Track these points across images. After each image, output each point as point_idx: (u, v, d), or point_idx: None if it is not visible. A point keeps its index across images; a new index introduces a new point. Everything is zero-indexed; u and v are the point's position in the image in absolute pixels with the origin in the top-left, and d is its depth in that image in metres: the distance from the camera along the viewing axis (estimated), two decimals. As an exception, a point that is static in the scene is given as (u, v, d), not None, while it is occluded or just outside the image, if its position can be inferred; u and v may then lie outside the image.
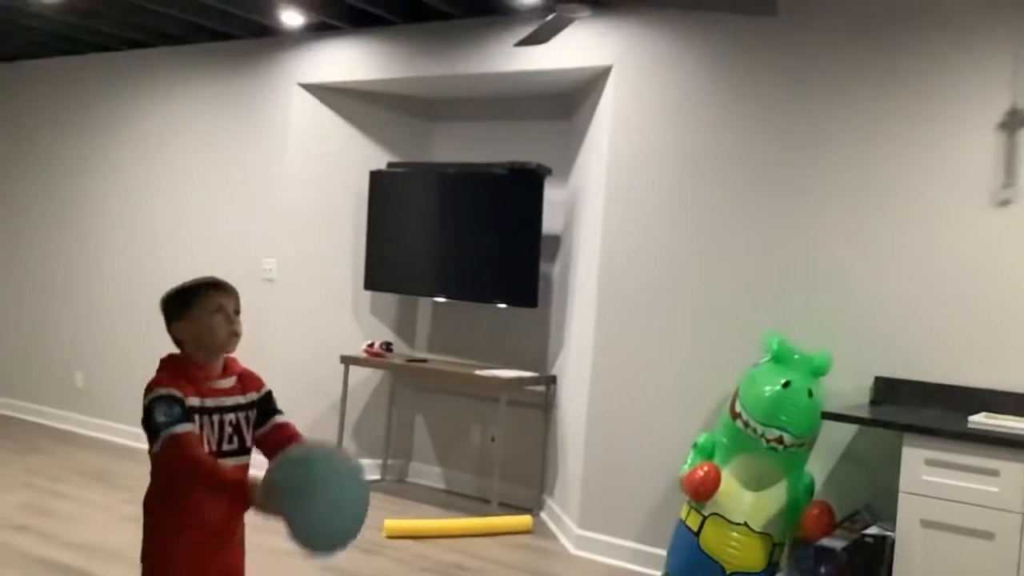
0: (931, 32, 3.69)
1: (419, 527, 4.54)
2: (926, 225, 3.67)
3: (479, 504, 5.16)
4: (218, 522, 2.28)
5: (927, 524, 3.02)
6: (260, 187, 5.71)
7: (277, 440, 2.31)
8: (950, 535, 2.98)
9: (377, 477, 5.68)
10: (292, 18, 5.27)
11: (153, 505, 2.31)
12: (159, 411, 2.17)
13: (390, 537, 4.46)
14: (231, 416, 2.30)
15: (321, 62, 5.52)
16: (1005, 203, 3.51)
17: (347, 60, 5.40)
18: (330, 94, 5.61)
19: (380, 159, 5.65)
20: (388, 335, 5.65)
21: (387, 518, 4.62)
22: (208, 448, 2.23)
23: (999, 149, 3.53)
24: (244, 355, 6.11)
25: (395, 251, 5.48)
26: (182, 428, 2.15)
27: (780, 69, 4.03)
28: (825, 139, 3.91)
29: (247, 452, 2.32)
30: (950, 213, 3.63)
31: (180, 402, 2.20)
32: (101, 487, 5.05)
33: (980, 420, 3.13)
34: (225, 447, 2.28)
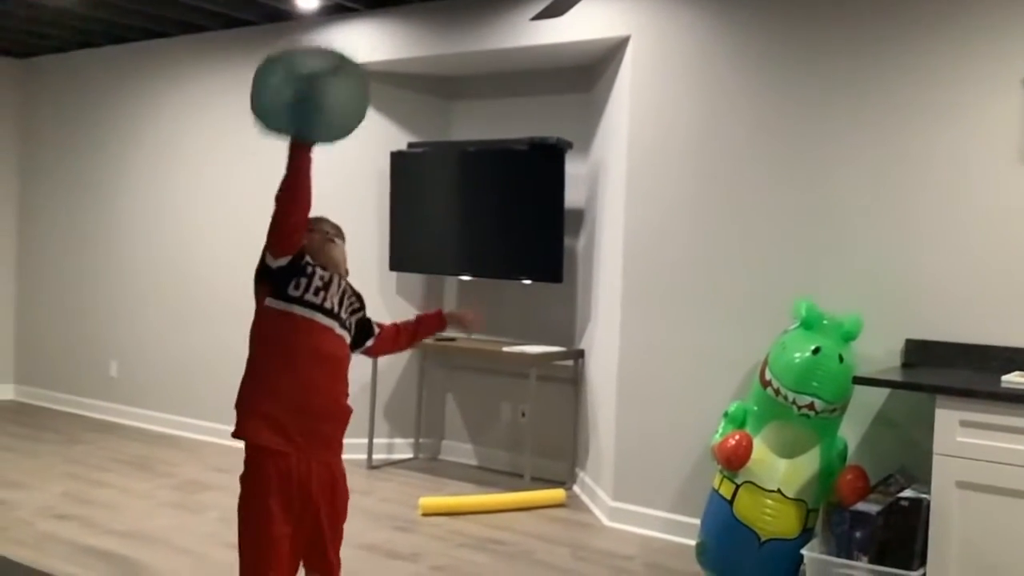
0: (954, -12, 3.63)
1: (454, 504, 4.59)
2: (952, 185, 3.63)
3: (512, 479, 5.20)
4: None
5: (962, 485, 3.01)
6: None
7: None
8: (986, 496, 2.97)
9: (410, 455, 5.73)
10: (307, 1, 5.27)
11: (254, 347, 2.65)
12: None
13: (426, 515, 4.51)
14: (352, 301, 2.79)
15: (338, 44, 5.49)
16: (1034, 159, 3.46)
17: (363, 41, 5.40)
18: (348, 76, 5.60)
19: (401, 140, 5.66)
20: (415, 315, 5.66)
21: (422, 496, 4.66)
22: (315, 300, 2.63)
23: (1021, 107, 3.47)
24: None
25: (419, 231, 5.49)
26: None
27: (800, 35, 3.98)
28: (848, 104, 3.86)
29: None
30: (976, 172, 3.58)
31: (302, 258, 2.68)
32: (141, 474, 5.14)
33: (1013, 379, 3.10)
34: (338, 310, 2.69)
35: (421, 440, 5.77)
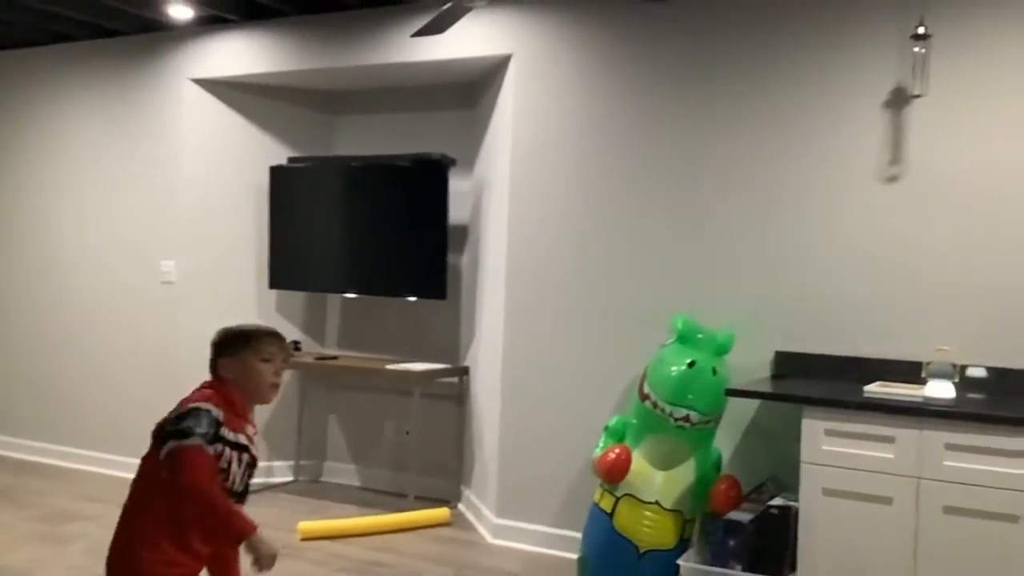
0: (823, 13, 3.79)
1: (334, 527, 4.48)
2: (820, 203, 3.78)
3: (397, 500, 5.12)
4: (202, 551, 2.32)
5: (828, 492, 3.11)
6: (156, 187, 5.54)
7: None
8: (850, 502, 3.08)
9: (290, 478, 5.59)
10: (181, 12, 5.12)
11: (138, 518, 2.27)
12: (199, 421, 2.20)
13: (305, 539, 4.39)
14: (248, 457, 2.35)
15: (214, 57, 5.37)
16: (893, 179, 3.63)
17: (241, 54, 5.27)
18: (225, 89, 5.47)
19: (280, 154, 5.54)
20: (296, 334, 5.55)
21: (301, 520, 4.54)
22: (231, 485, 2.28)
23: (887, 127, 3.65)
24: (147, 362, 5.98)
25: (300, 248, 5.38)
26: (211, 448, 2.19)
27: (677, 54, 4.08)
28: (723, 122, 3.98)
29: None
30: (843, 191, 3.74)
31: (218, 427, 2.23)
32: (3, 505, 4.83)
33: (875, 389, 3.24)
34: (240, 488, 2.34)
35: (302, 462, 5.63)
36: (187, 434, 2.17)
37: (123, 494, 2.36)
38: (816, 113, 3.79)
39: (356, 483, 5.58)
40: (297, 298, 5.62)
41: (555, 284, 4.36)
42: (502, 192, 4.58)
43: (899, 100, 3.61)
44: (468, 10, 3.84)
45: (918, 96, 3.54)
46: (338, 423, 5.69)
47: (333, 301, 5.70)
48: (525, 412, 4.42)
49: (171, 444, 2.18)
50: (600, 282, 4.24)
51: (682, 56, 4.07)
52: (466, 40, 4.59)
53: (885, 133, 3.65)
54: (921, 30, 3.46)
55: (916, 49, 3.49)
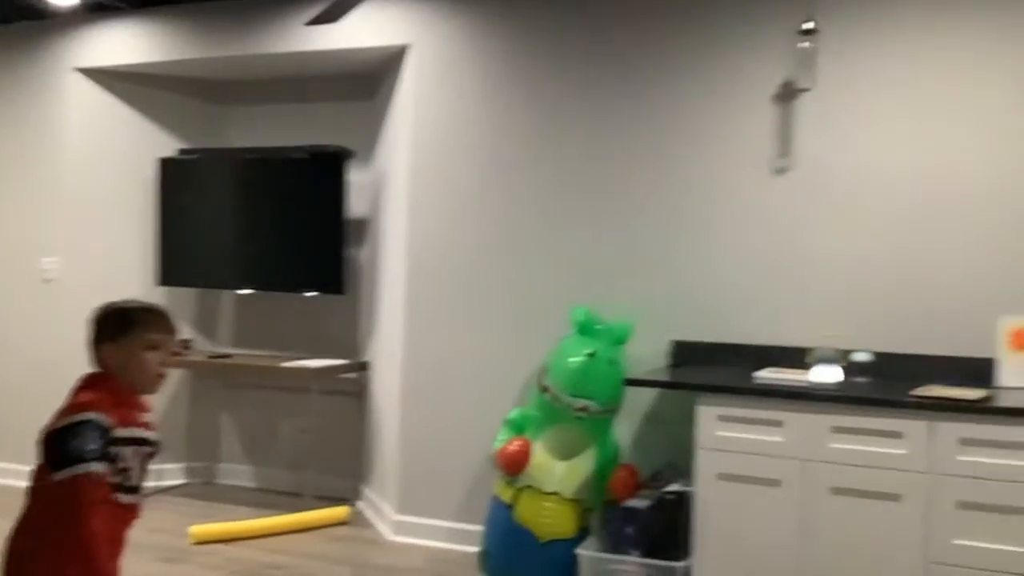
0: (718, 7, 3.86)
1: (228, 530, 4.34)
2: (714, 196, 3.85)
3: (294, 500, 5.00)
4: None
5: (723, 477, 3.17)
6: (38, 180, 5.28)
7: None
8: (743, 486, 3.14)
9: (182, 480, 5.40)
10: (63, -3, 4.89)
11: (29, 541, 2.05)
12: (86, 438, 2.00)
13: (198, 543, 4.24)
14: (147, 450, 2.17)
15: (99, 45, 5.15)
16: (782, 171, 3.73)
17: (128, 42, 5.07)
18: (111, 79, 5.25)
19: (169, 146, 5.35)
20: (188, 333, 5.37)
21: (193, 523, 4.39)
22: (130, 482, 2.11)
23: (776, 121, 3.74)
24: (26, 365, 5.69)
25: (191, 244, 5.21)
26: (98, 468, 2.00)
27: (576, 48, 4.10)
28: (620, 116, 4.02)
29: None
30: (735, 183, 3.82)
31: (107, 434, 2.04)
32: None
33: (765, 375, 3.31)
34: (141, 482, 2.16)
35: (194, 464, 5.45)
36: (75, 459, 1.98)
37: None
38: (710, 107, 3.86)
39: (252, 484, 5.43)
40: (188, 295, 5.43)
41: (456, 278, 4.32)
42: (402, 185, 4.53)
43: (787, 94, 3.71)
44: (363, -1, 3.78)
45: (806, 90, 3.65)
46: (232, 423, 5.53)
47: (227, 298, 5.53)
48: (426, 407, 4.37)
49: (60, 475, 1.99)
50: (501, 276, 4.23)
51: (582, 50, 4.09)
52: (362, 30, 4.52)
53: (774, 127, 3.74)
54: (809, 25, 3.56)
55: (803, 44, 3.59)
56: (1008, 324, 3.31)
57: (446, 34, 4.37)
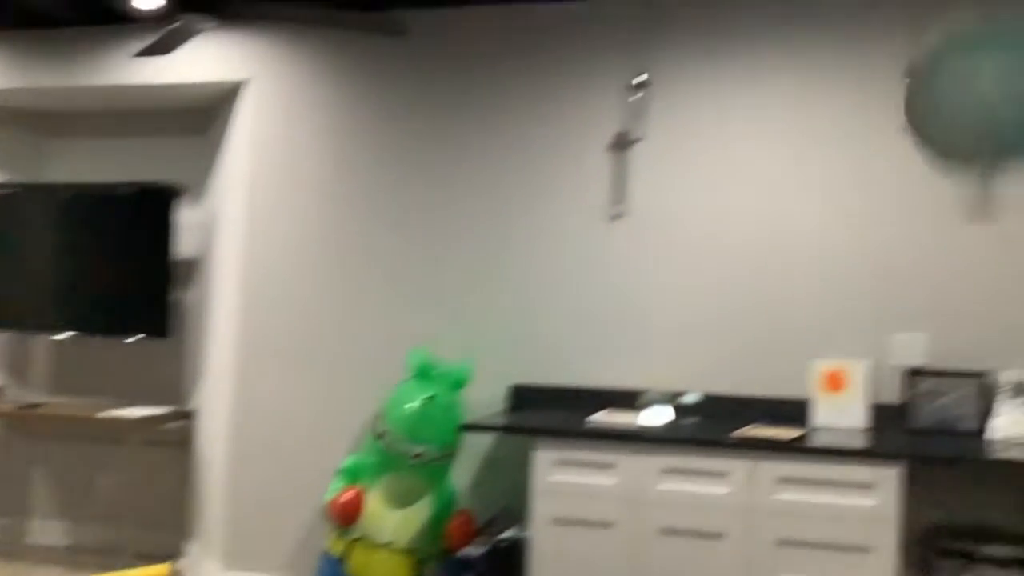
0: (555, 55, 3.95)
1: (34, 592, 4.00)
2: (553, 241, 3.91)
3: (112, 558, 4.67)
4: None
5: (558, 521, 3.17)
6: None
7: None
8: (577, 528, 3.15)
9: (-13, 542, 4.96)
10: None
11: None
12: None
13: (-2, 609, 3.88)
14: None
15: None
16: (617, 217, 3.83)
17: (-65, 65, 4.71)
18: (-86, 104, 4.86)
19: (-18, 179, 4.99)
20: (-3, 378, 4.97)
21: (-6, 587, 4.02)
22: None
23: (611, 169, 3.84)
24: None
25: (4, 283, 4.84)
26: None
27: (415, 90, 4.10)
28: (458, 160, 4.03)
29: None
30: (573, 229, 3.89)
31: None
32: None
33: (599, 418, 3.35)
34: None
35: (1, 521, 5.01)
36: None
37: None
38: (550, 156, 3.93)
39: (65, 542, 5.03)
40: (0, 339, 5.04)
41: (290, 321, 4.19)
42: (237, 223, 4.37)
43: (622, 144, 3.82)
44: (195, 32, 3.65)
45: (638, 140, 3.77)
46: (45, 477, 5.13)
47: (41, 342, 5.16)
48: (256, 456, 4.19)
49: None
50: (337, 319, 4.13)
51: (420, 92, 4.09)
52: (196, 64, 4.37)
53: (610, 174, 3.85)
54: (641, 78, 3.69)
55: (636, 96, 3.72)
56: (821, 366, 3.49)
57: (285, 71, 4.28)
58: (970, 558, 2.96)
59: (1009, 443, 3.11)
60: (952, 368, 3.40)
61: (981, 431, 3.30)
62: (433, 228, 4.04)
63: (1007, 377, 3.27)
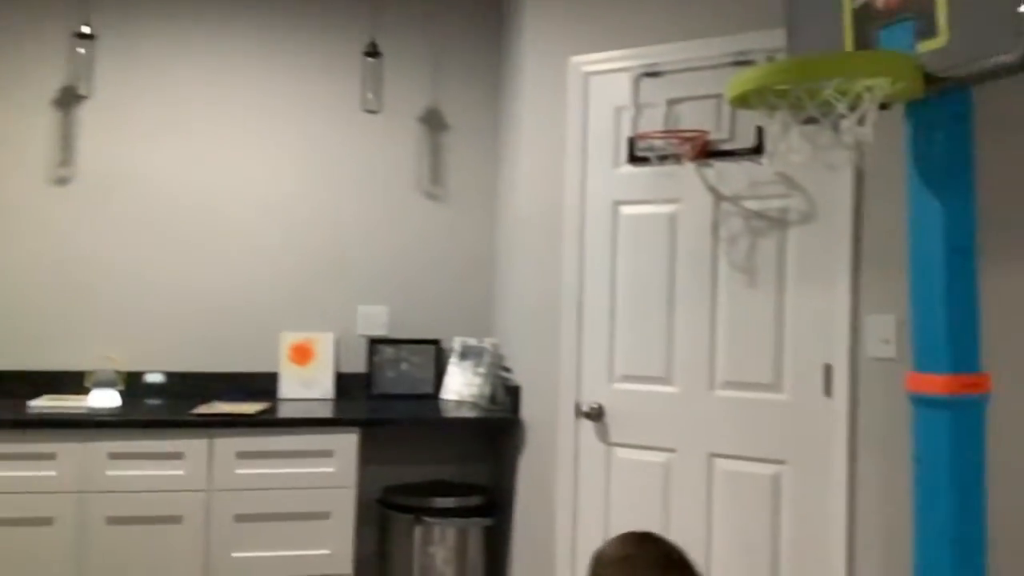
0: (-23, -5, 3.40)
1: None
2: (-15, 205, 3.38)
3: None
4: None
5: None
6: None
7: None
8: (11, 529, 2.77)
9: None
10: None
11: None
12: None
13: None
14: None
15: None
16: (64, 181, 3.43)
17: None
18: None
19: None
20: None
21: None
22: None
23: (57, 128, 3.43)
24: None
25: None
26: None
27: None
28: None
29: None
30: (10, 194, 3.40)
31: None
32: None
33: (40, 404, 2.99)
34: None
35: None
36: None
37: None
38: (-21, 106, 3.39)
39: None
40: None
41: None
42: None
43: (68, 100, 3.43)
44: None
45: (85, 97, 3.42)
46: None
47: None
48: None
49: None
50: None
51: None
52: None
53: (55, 134, 3.43)
54: (85, 30, 3.33)
55: (80, 50, 3.36)
56: (288, 339, 3.51)
57: None
58: (421, 511, 3.17)
59: (458, 403, 3.40)
60: (410, 337, 3.64)
61: (437, 394, 3.57)
62: None
63: (455, 344, 3.58)
